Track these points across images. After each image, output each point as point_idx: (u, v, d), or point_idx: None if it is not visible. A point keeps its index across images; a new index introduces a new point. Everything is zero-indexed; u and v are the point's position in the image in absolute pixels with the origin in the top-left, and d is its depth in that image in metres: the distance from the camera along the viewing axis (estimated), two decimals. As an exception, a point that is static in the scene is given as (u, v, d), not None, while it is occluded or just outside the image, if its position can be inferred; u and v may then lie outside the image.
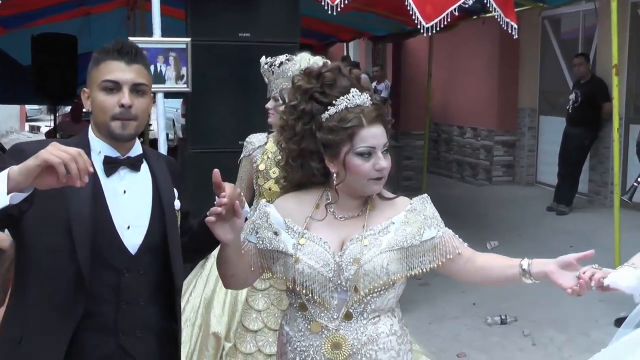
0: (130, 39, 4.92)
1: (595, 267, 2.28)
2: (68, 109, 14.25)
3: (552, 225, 8.94)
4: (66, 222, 2.24)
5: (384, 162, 2.32)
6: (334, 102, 2.34)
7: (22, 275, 2.35)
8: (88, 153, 2.22)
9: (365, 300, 2.34)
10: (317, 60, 3.63)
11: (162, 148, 5.22)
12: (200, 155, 5.41)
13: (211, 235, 2.35)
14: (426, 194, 2.49)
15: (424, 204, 2.44)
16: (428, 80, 10.90)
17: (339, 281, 2.33)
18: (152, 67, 4.94)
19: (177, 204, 2.46)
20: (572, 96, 9.69)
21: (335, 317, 2.35)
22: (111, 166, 2.35)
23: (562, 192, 9.76)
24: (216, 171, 2.27)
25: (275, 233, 2.39)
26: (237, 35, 5.38)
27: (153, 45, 4.97)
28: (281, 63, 3.70)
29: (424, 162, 11.15)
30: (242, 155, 3.98)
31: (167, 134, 11.84)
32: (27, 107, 23.97)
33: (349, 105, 2.33)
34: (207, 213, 2.28)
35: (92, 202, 2.27)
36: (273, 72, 3.72)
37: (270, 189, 3.70)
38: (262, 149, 3.86)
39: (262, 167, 3.79)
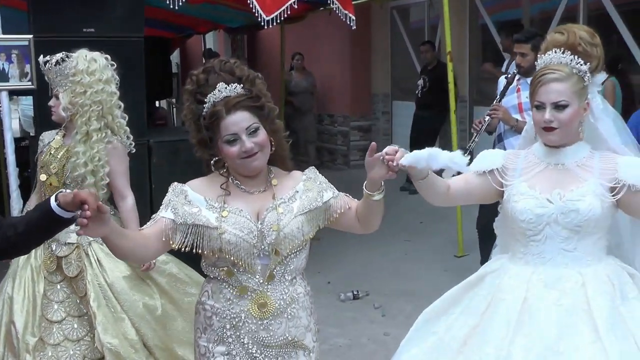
0: (-30, 37, 4.92)
1: (392, 146, 2.60)
2: None
3: (405, 204, 9.33)
4: None
5: (248, 143, 2.62)
6: (206, 100, 2.64)
7: None
8: None
9: (285, 262, 2.70)
10: (96, 57, 3.77)
11: (10, 147, 5.22)
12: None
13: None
14: (313, 166, 2.88)
15: (315, 173, 2.84)
16: (281, 71, 11.16)
17: (262, 246, 2.65)
18: (-6, 66, 4.93)
19: None
20: (420, 82, 10.18)
21: (259, 279, 2.67)
22: None
23: (414, 172, 10.21)
24: (69, 194, 2.45)
25: (196, 208, 2.66)
26: (82, 31, 5.37)
27: (-6, 43, 4.95)
28: (57, 62, 3.77)
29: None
30: (37, 153, 4.02)
31: (29, 132, 11.53)
32: None
33: (215, 100, 2.63)
34: (75, 224, 2.41)
35: None
36: (50, 69, 3.79)
37: (51, 184, 3.79)
38: (49, 145, 3.93)
39: (43, 162, 3.88)
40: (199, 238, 2.65)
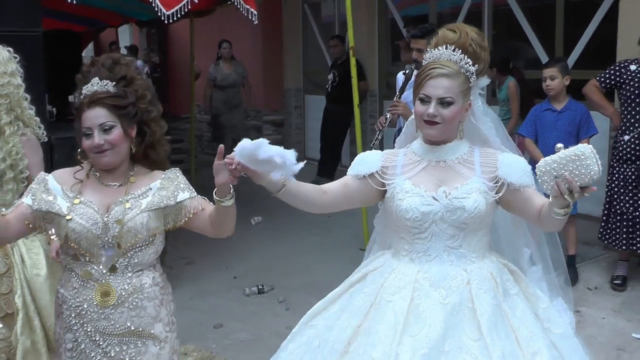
0: None
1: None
2: None
3: (315, 199, 9.44)
4: None
5: (98, 139, 2.74)
6: (82, 91, 2.78)
7: None
8: None
9: (128, 255, 2.80)
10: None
11: None
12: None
13: None
14: (177, 168, 2.96)
15: (176, 174, 2.92)
16: (191, 64, 11.10)
17: (107, 238, 2.76)
18: None
19: None
20: (330, 76, 10.26)
21: (102, 269, 2.79)
22: None
23: (324, 166, 10.34)
24: None
25: (52, 197, 2.79)
26: None
27: None
28: None
29: (191, 144, 11.34)
30: None
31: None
32: None
33: (86, 93, 2.77)
34: None
35: None
36: None
37: None
38: None
39: None
40: (50, 224, 2.81)
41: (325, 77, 10.56)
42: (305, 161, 2.73)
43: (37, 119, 3.88)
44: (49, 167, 5.74)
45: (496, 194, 2.83)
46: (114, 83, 2.77)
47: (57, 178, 2.87)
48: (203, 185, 2.78)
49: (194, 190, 2.92)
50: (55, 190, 2.83)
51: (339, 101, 10.00)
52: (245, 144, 2.54)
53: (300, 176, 2.74)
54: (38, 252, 3.80)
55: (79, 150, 2.86)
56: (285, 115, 12.53)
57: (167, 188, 2.85)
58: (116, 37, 14.46)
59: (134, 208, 2.79)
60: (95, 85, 2.77)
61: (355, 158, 3.02)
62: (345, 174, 3.00)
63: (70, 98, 12.77)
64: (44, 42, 5.79)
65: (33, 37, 5.50)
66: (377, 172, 2.92)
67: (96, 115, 2.74)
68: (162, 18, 5.60)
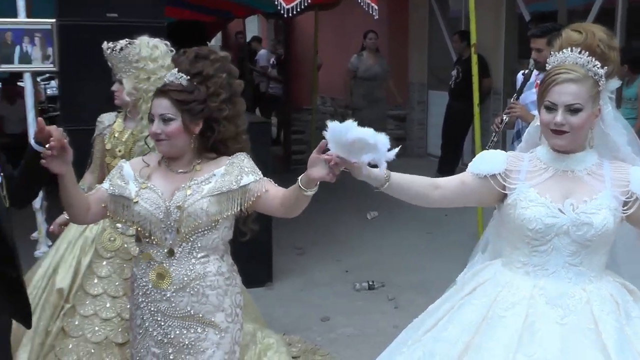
0: (-6, 20, 5.06)
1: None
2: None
3: (432, 196, 9.32)
4: None
5: (156, 128, 2.87)
6: None
7: None
8: None
9: (191, 240, 2.87)
10: (157, 43, 3.89)
11: (32, 127, 5.35)
12: (70, 133, 5.49)
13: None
14: (244, 153, 2.98)
15: (241, 158, 2.95)
16: (314, 57, 11.14)
17: (169, 222, 2.86)
18: (17, 48, 5.07)
19: None
20: (454, 72, 10.11)
21: (163, 252, 2.89)
22: None
23: (445, 163, 10.19)
24: (40, 119, 2.82)
25: (125, 182, 2.94)
26: (105, 16, 5.48)
27: (18, 26, 5.07)
28: (122, 48, 3.87)
29: (311, 136, 11.39)
30: (95, 134, 4.17)
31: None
32: None
33: (164, 81, 2.97)
34: (42, 154, 2.71)
35: None
36: (115, 57, 3.90)
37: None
38: (110, 128, 4.06)
39: (108, 145, 4.00)
40: (121, 208, 2.95)
41: (450, 73, 10.40)
42: (399, 146, 2.59)
43: None
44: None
45: (627, 210, 2.65)
46: (189, 77, 2.86)
47: (132, 165, 3.02)
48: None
49: (259, 173, 2.94)
50: (128, 176, 2.96)
51: (462, 98, 9.78)
52: (334, 125, 2.48)
53: (421, 172, 2.68)
54: None
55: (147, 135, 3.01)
56: (408, 111, 12.43)
57: (231, 173, 2.89)
58: (243, 28, 14.71)
59: (195, 194, 2.85)
60: (172, 76, 2.90)
61: (478, 155, 2.88)
62: (463, 171, 2.87)
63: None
64: (170, 33, 5.95)
65: (157, 28, 5.63)
66: (500, 174, 2.75)
67: (160, 105, 2.86)
68: (282, 12, 5.64)
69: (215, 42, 18.15)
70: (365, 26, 11.25)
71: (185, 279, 2.88)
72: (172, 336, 2.90)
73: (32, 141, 2.92)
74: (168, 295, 2.88)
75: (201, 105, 2.86)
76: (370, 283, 6.43)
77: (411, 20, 12.13)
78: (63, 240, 4.17)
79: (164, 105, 2.85)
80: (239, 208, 2.89)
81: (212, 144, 2.95)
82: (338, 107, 13.32)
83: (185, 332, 2.90)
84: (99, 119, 4.19)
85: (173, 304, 2.89)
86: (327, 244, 7.54)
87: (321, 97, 13.67)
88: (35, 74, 5.68)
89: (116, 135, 3.99)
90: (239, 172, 2.90)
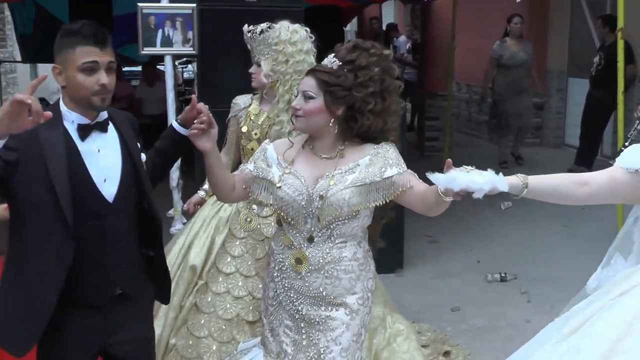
0: (139, 5, 5.23)
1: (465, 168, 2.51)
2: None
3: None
4: (48, 182, 2.66)
5: (296, 102, 2.91)
6: None
7: (19, 229, 2.77)
8: (61, 122, 2.72)
9: (330, 227, 2.88)
10: (297, 28, 3.91)
11: (171, 107, 5.52)
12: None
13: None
14: (392, 142, 2.95)
15: (387, 149, 2.91)
16: (451, 42, 10.90)
17: (310, 209, 2.87)
18: (159, 32, 5.22)
19: (143, 156, 2.95)
20: (596, 59, 9.70)
21: (301, 238, 2.92)
22: (84, 132, 2.76)
23: (583, 155, 9.82)
24: (194, 96, 2.98)
25: (268, 165, 2.98)
26: (244, 1, 5.56)
27: (160, 10, 5.22)
28: (262, 31, 3.91)
29: (446, 122, 11.20)
30: (229, 116, 4.23)
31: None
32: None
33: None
34: (190, 129, 2.90)
35: (68, 162, 2.69)
36: (254, 39, 3.94)
37: (252, 149, 3.89)
38: (246, 110, 4.10)
39: (244, 128, 4.04)
40: (264, 191, 3.01)
41: (592, 59, 9.99)
42: (505, 164, 2.50)
43: None
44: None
45: None
46: (341, 63, 2.86)
47: (275, 147, 3.04)
48: (456, 162, 2.66)
49: (404, 165, 2.89)
50: (271, 159, 2.99)
51: (604, 86, 9.38)
52: (437, 179, 2.51)
53: (558, 163, 2.57)
54: None
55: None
56: (546, 98, 12.03)
57: (375, 164, 2.87)
58: (379, 13, 14.66)
59: (338, 184, 2.85)
60: (326, 60, 2.91)
61: (628, 148, 2.70)
62: (608, 165, 2.70)
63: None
64: (307, 18, 5.98)
65: (295, 13, 5.67)
66: None
67: (306, 83, 2.90)
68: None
69: (351, 27, 18.18)
70: (506, 10, 10.99)
71: (321, 261, 2.90)
72: (303, 312, 2.95)
73: (174, 123, 3.03)
74: (302, 274, 2.92)
75: (345, 91, 2.84)
76: (503, 275, 6.27)
77: (552, 3, 11.70)
78: (197, 218, 4.28)
79: (308, 84, 2.88)
80: (383, 201, 2.87)
81: (358, 134, 2.92)
82: (474, 94, 13.07)
83: (316, 309, 2.94)
84: (234, 100, 4.25)
85: (307, 284, 2.92)
86: (459, 233, 7.41)
87: (456, 84, 13.45)
88: (174, 57, 5.83)
89: (252, 118, 4.03)
90: (383, 163, 2.86)
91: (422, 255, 6.77)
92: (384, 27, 15.23)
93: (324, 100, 2.84)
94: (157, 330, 3.92)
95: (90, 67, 2.67)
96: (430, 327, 5.21)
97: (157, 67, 11.38)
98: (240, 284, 3.94)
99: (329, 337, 2.92)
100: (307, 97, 2.86)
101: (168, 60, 5.46)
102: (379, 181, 2.85)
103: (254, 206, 3.96)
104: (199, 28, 5.44)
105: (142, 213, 2.93)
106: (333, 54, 2.90)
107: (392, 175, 2.84)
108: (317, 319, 2.93)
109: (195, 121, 2.84)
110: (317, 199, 2.85)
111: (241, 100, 4.20)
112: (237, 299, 3.92)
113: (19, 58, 15.49)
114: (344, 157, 2.91)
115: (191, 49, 5.31)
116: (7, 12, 16.06)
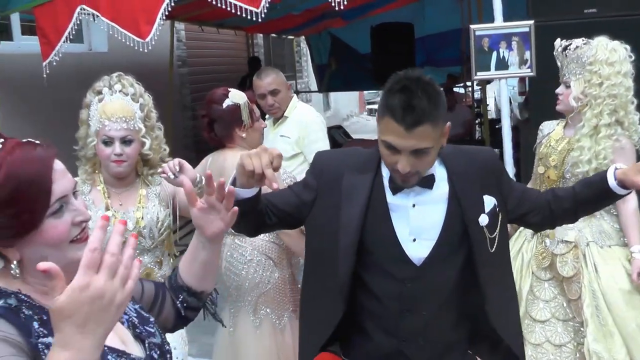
0: (472, 27, 4.93)
1: None
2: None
3: None
4: (335, 233, 2.39)
5: None
6: None
7: (307, 265, 2.58)
8: (375, 175, 2.43)
9: None
10: (616, 46, 3.50)
11: (507, 136, 5.14)
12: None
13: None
14: None
15: None
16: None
17: None
18: (494, 54, 4.89)
19: (482, 219, 2.41)
20: None
21: None
22: (396, 188, 2.41)
23: None
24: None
25: None
26: (582, 12, 5.09)
27: (495, 31, 4.90)
28: (577, 47, 3.55)
29: None
30: (536, 143, 3.94)
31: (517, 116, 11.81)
32: (365, 91, 24.93)
33: None
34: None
35: (363, 216, 2.38)
36: (567, 55, 3.58)
37: (549, 177, 3.63)
38: (548, 137, 3.79)
39: (543, 152, 3.75)
40: None
41: None
42: None
43: (639, 126, 3.61)
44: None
45: None
46: None
47: None
48: None
49: None
50: None
51: None
52: None
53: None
54: (615, 264, 3.55)
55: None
56: None
57: None
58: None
59: None
60: None
61: None
62: None
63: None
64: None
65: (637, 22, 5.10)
66: None
67: None
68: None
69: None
70: None
71: None
72: None
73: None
74: None
75: None
76: None
77: None
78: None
79: None
80: None
81: None
82: None
83: None
84: (540, 126, 3.95)
85: None
86: None
87: None
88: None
89: (552, 143, 3.71)
90: None
91: None
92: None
93: None
94: None
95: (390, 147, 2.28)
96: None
97: (454, 89, 11.24)
98: (559, 329, 3.66)
99: None
100: None
101: (503, 84, 5.12)
102: None
103: (547, 241, 3.71)
104: (536, 47, 5.05)
105: (458, 291, 2.52)
106: None
107: None
108: None
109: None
110: None
111: (546, 127, 3.91)
112: (559, 347, 3.64)
113: (314, 87, 16.16)
114: None
115: (528, 70, 4.90)
116: (303, 45, 16.87)
